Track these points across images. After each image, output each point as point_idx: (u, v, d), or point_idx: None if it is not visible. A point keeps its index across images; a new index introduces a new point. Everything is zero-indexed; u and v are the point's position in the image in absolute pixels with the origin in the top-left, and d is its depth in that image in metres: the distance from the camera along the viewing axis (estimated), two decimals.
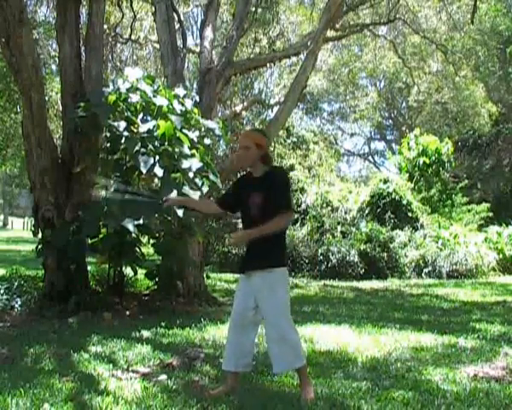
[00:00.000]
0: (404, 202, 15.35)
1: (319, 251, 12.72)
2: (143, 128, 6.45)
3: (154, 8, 10.21)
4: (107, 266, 7.20)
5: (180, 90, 7.31)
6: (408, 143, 19.28)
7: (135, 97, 6.71)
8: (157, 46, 14.06)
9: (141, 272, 7.73)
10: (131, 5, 14.44)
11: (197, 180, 6.55)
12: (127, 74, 7.05)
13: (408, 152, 19.06)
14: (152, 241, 7.45)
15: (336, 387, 3.84)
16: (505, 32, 22.52)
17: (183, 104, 7.00)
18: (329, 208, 15.25)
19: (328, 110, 33.99)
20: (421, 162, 18.44)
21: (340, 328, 6.05)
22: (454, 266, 12.94)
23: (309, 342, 5.24)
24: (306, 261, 12.79)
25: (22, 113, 7.55)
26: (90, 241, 6.90)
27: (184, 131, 6.64)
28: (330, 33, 12.38)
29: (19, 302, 6.69)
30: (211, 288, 9.15)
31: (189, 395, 3.56)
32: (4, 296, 6.80)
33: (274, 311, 3.54)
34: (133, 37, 16.58)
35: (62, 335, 5.40)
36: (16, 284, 7.18)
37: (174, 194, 6.15)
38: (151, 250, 8.13)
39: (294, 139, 19.21)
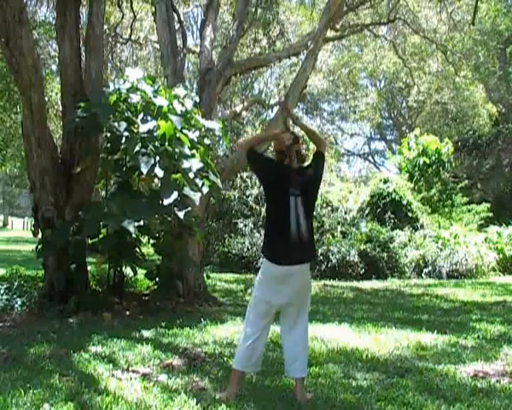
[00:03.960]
0: (404, 202, 15.34)
1: (319, 251, 12.72)
2: (143, 128, 6.44)
3: (154, 8, 10.21)
4: (107, 266, 7.20)
5: (180, 91, 7.30)
6: (408, 143, 19.28)
7: (135, 98, 6.70)
8: (157, 46, 14.08)
9: (141, 272, 7.72)
10: (131, 5, 14.45)
11: (197, 180, 6.55)
12: (127, 74, 7.05)
13: (408, 152, 19.06)
14: (152, 241, 7.46)
15: (336, 387, 3.85)
16: (505, 32, 22.51)
17: (183, 104, 6.99)
18: (329, 208, 15.25)
19: (328, 110, 34.02)
20: (421, 162, 18.44)
21: (340, 328, 6.06)
22: (454, 266, 12.94)
23: (309, 341, 5.23)
24: None
25: (22, 113, 7.55)
26: (90, 241, 6.91)
27: (184, 131, 6.63)
28: (330, 33, 12.36)
29: (19, 302, 6.68)
30: (211, 288, 9.15)
31: (188, 395, 3.56)
32: (4, 296, 6.80)
33: None
34: (133, 37, 16.60)
35: (62, 335, 5.40)
36: (16, 284, 7.18)
37: (174, 195, 6.15)
38: (151, 250, 8.13)
39: None
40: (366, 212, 15.45)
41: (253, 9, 12.60)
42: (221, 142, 12.70)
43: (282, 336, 3.73)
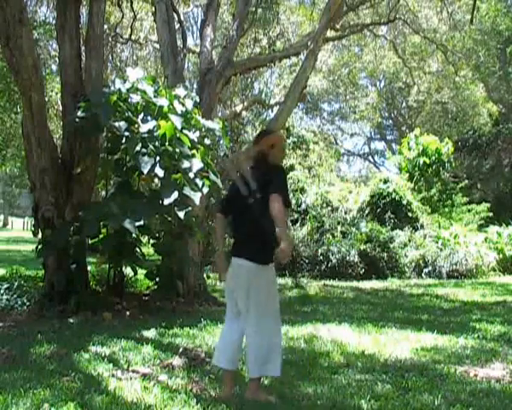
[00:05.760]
0: (404, 202, 15.34)
1: (319, 251, 12.71)
2: (144, 128, 6.45)
3: (154, 8, 10.22)
4: (107, 266, 7.20)
5: (181, 91, 7.32)
6: (408, 143, 19.27)
7: (135, 98, 6.71)
8: (157, 46, 14.08)
9: (141, 272, 7.73)
10: (131, 5, 14.46)
11: (197, 180, 6.55)
12: (128, 74, 7.06)
13: (408, 152, 19.06)
14: (152, 241, 7.46)
15: (336, 387, 3.85)
16: (505, 32, 22.50)
17: (183, 104, 7.00)
18: (329, 208, 15.23)
19: (328, 110, 33.99)
20: (421, 162, 18.44)
21: (340, 328, 6.05)
22: (454, 266, 12.93)
23: (309, 341, 5.24)
24: (306, 261, 12.78)
25: (22, 113, 7.55)
26: (90, 241, 6.91)
27: (185, 131, 6.64)
28: (330, 33, 12.38)
29: (19, 302, 6.70)
30: (211, 288, 9.14)
31: (188, 395, 3.56)
32: (4, 296, 6.81)
33: None
34: (133, 37, 16.60)
35: (62, 335, 5.40)
36: (16, 284, 7.20)
37: (175, 195, 6.15)
38: (151, 250, 8.13)
39: (294, 139, 19.22)
40: (366, 212, 15.44)
41: (253, 9, 12.60)
42: (221, 142, 12.70)
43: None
